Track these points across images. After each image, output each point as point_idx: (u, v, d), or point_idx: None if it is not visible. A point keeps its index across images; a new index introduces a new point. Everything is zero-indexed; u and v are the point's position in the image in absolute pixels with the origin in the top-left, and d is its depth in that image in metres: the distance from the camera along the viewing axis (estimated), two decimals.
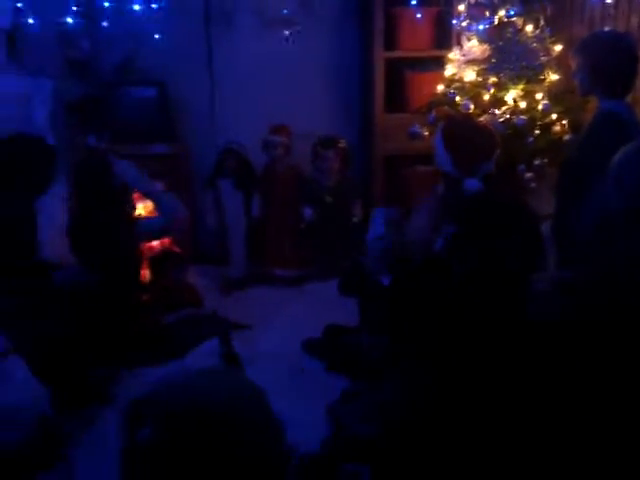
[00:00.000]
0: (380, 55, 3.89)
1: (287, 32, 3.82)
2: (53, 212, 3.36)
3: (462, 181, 2.54)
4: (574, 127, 3.16)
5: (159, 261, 3.52)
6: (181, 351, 2.99)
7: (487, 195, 2.52)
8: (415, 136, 3.43)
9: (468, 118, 3.10)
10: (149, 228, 3.46)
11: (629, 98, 2.58)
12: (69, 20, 3.60)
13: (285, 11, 3.84)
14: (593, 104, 3.01)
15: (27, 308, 2.64)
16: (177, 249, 3.63)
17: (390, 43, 3.92)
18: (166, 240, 3.72)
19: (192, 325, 3.25)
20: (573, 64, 2.57)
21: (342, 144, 3.93)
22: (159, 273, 3.48)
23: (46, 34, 3.56)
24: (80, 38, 3.68)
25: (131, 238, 3.28)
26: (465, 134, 2.66)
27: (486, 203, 2.47)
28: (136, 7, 3.60)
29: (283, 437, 0.98)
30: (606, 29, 3.12)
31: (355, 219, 3.95)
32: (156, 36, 3.67)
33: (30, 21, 3.52)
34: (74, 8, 3.60)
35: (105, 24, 3.71)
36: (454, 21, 3.51)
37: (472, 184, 2.52)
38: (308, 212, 3.89)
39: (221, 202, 3.89)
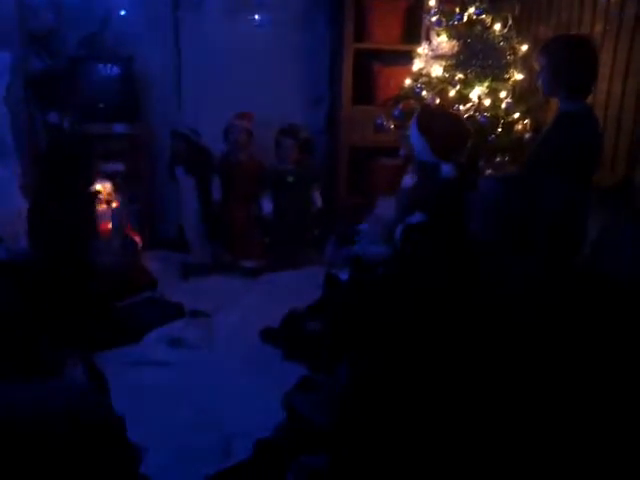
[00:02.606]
0: (350, 46, 3.89)
1: (257, 17, 3.77)
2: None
3: (439, 166, 2.57)
4: (535, 126, 3.22)
5: None
6: (136, 335, 2.96)
7: (461, 183, 2.55)
8: (381, 128, 3.44)
9: (442, 107, 3.15)
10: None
11: (589, 100, 2.63)
12: None
13: None
14: (554, 104, 3.07)
15: None
16: (133, 233, 3.56)
17: (360, 34, 3.91)
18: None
19: (147, 309, 3.21)
20: (536, 65, 2.61)
21: (303, 134, 3.91)
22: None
23: (7, 4, 3.44)
24: (43, 10, 3.56)
25: (88, 221, 3.21)
26: (440, 119, 2.74)
27: (461, 190, 2.50)
28: None
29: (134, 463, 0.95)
30: (569, 33, 3.18)
31: (315, 208, 3.96)
32: (122, 12, 3.58)
33: None
34: None
35: None
36: (424, 16, 3.52)
37: (449, 169, 2.56)
38: (268, 206, 3.87)
39: (179, 189, 3.84)
